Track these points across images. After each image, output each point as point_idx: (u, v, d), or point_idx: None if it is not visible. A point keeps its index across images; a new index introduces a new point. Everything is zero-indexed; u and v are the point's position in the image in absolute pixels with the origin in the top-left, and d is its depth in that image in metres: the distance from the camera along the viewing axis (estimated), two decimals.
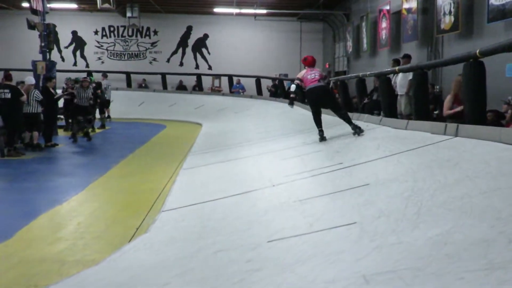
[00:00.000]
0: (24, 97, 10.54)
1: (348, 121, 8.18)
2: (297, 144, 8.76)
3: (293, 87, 8.61)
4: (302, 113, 12.68)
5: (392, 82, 9.90)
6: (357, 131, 7.91)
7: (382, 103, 9.69)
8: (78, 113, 12.96)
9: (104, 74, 19.50)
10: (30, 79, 11.46)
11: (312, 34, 25.75)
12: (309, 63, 8.57)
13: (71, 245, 4.86)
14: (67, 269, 4.19)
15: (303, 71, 8.51)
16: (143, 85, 24.50)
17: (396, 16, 15.87)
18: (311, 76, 8.30)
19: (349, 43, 21.16)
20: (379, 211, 3.73)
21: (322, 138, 8.33)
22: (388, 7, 16.43)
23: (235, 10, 23.23)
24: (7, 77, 10.70)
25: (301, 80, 8.40)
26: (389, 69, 9.85)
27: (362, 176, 5.20)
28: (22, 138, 11.08)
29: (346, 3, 21.83)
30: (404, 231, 3.05)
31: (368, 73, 10.93)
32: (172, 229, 4.87)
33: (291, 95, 8.75)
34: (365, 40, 18.90)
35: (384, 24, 16.87)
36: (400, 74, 9.67)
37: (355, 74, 12.19)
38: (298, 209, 4.52)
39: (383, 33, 16.97)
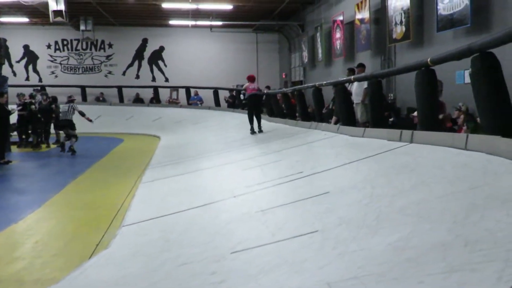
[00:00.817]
0: None
1: (259, 123, 12.17)
2: (256, 154, 8.82)
3: (242, 96, 13.29)
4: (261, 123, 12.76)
5: (349, 90, 10.09)
6: (260, 131, 11.96)
7: (339, 112, 9.86)
8: (63, 127, 13.14)
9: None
10: None
11: (268, 45, 26.00)
12: (251, 79, 12.39)
13: (28, 264, 4.73)
14: None
15: (247, 84, 12.35)
16: (101, 98, 24.14)
17: (350, 26, 16.20)
18: (251, 87, 12.21)
19: (305, 53, 21.45)
20: (340, 219, 3.79)
21: (253, 132, 12.06)
22: (341, 18, 16.76)
23: (190, 22, 23.23)
24: None
25: (245, 89, 12.43)
26: (344, 78, 10.04)
27: (322, 184, 5.28)
28: None
29: (300, 14, 22.15)
30: (364, 238, 3.11)
31: (325, 82, 11.11)
32: (133, 243, 4.81)
33: (243, 101, 13.39)
34: (320, 50, 19.20)
35: (338, 34, 17.19)
36: (356, 83, 9.87)
37: (311, 84, 12.36)
38: (261, 219, 4.54)
39: (338, 43, 17.28)
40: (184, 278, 3.44)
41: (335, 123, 9.87)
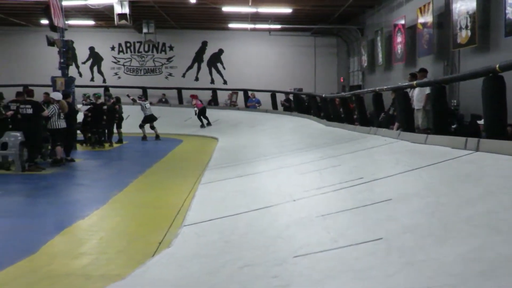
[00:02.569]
0: (46, 112, 10.67)
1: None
2: (314, 159, 8.77)
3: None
4: (318, 127, 12.72)
5: (410, 96, 9.90)
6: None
7: (400, 117, 9.69)
8: (151, 120, 17.28)
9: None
10: (56, 94, 11.60)
11: (326, 49, 25.85)
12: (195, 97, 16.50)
13: (94, 259, 4.90)
14: (92, 283, 4.23)
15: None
16: (163, 100, 24.66)
17: (411, 31, 15.90)
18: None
19: (364, 57, 21.19)
20: (404, 227, 3.73)
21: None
22: (403, 22, 16.46)
23: (249, 26, 23.42)
24: (28, 92, 10.85)
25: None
26: (406, 83, 9.85)
27: (383, 191, 5.20)
28: (42, 153, 11.20)
29: (359, 18, 21.90)
30: (432, 248, 3.05)
31: (385, 87, 10.93)
32: (194, 244, 4.90)
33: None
34: (380, 54, 18.93)
35: (399, 38, 16.89)
36: (417, 89, 9.67)
37: (371, 89, 12.20)
38: (321, 224, 4.53)
39: (398, 47, 16.99)
40: (246, 280, 3.47)
41: (397, 129, 9.69)
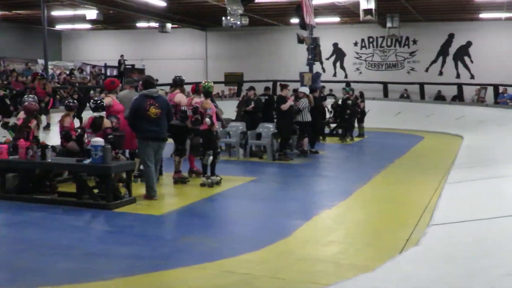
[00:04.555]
0: (286, 106, 11.20)
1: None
2: None
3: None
4: None
5: None
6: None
7: None
8: None
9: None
10: (304, 89, 12.28)
11: None
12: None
13: (343, 249, 5.10)
14: (342, 271, 4.41)
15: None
16: (405, 95, 24.23)
17: None
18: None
19: None
20: None
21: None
22: None
23: (504, 15, 21.47)
24: (282, 87, 11.55)
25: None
26: None
27: None
28: (290, 144, 11.96)
29: None
30: None
31: None
32: (445, 244, 4.75)
33: None
34: None
35: None
36: None
37: None
38: None
39: None
40: None
41: None
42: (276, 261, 4.67)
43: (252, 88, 12.59)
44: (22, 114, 7.94)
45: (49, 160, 6.86)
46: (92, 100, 7.51)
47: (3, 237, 5.34)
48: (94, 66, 26.96)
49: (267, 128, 11.31)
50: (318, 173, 10.30)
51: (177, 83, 8.74)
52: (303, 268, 4.52)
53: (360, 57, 26.12)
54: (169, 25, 25.09)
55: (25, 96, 8.83)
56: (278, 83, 12.58)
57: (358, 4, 18.24)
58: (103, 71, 26.17)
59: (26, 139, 7.25)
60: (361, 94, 16.36)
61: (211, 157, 7.98)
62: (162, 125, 7.10)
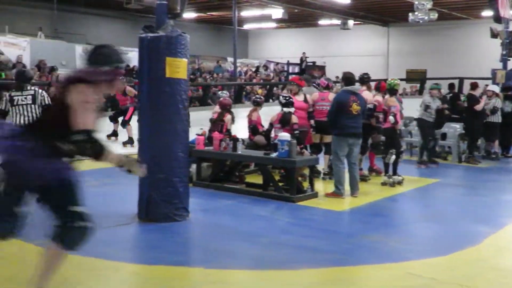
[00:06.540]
0: (480, 106, 10.42)
1: None
2: None
3: None
4: None
5: None
6: None
7: None
8: None
9: None
10: (493, 87, 11.44)
11: None
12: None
13: None
14: None
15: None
16: None
17: None
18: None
19: None
20: None
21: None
22: None
23: None
24: (473, 86, 10.82)
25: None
26: None
27: None
28: (477, 146, 11.17)
29: None
30: None
31: None
32: None
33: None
34: None
35: None
36: None
37: None
38: None
39: None
40: None
41: None
42: (465, 268, 4.44)
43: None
44: (217, 108, 8.63)
45: (240, 152, 7.31)
46: (281, 96, 7.84)
47: (199, 221, 5.82)
48: (277, 63, 28.04)
49: (453, 128, 10.71)
50: (511, 180, 9.48)
51: (364, 80, 8.68)
52: (495, 278, 4.24)
53: None
54: (351, 22, 25.07)
55: (219, 91, 9.52)
56: (469, 82, 11.71)
57: None
58: (285, 68, 27.09)
59: (220, 131, 7.86)
60: None
61: (393, 156, 7.82)
62: (360, 122, 7.08)
